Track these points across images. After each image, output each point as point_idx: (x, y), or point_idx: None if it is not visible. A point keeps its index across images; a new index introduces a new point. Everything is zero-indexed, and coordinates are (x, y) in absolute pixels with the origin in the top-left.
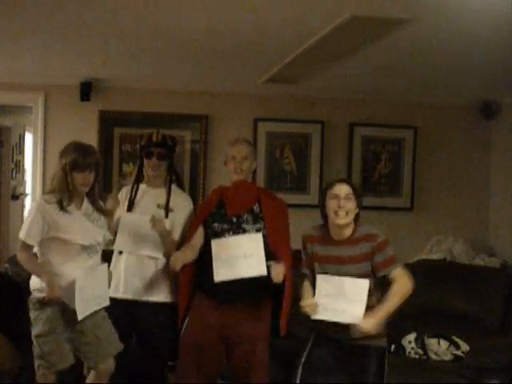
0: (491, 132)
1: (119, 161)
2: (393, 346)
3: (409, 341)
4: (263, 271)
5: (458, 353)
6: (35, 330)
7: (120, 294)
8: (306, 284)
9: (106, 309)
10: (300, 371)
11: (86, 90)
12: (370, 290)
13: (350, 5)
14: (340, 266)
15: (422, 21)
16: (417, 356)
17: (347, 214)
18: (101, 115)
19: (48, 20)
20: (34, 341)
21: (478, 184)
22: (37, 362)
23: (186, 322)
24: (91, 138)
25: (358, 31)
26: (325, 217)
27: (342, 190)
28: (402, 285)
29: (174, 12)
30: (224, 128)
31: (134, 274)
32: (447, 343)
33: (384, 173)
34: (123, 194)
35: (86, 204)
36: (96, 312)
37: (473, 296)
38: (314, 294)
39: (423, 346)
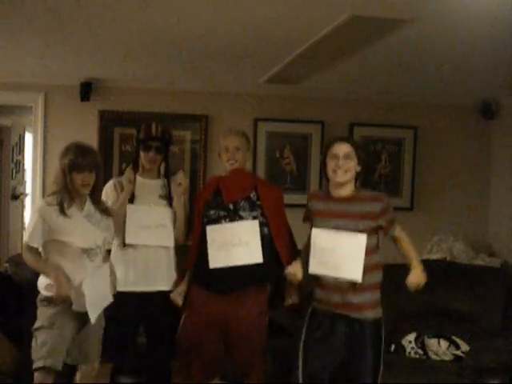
0: (491, 132)
1: (119, 161)
2: (393, 346)
3: (409, 341)
4: (259, 259)
5: (458, 353)
6: (35, 324)
7: (132, 287)
8: (305, 243)
9: (116, 304)
10: (301, 350)
11: (86, 90)
12: (371, 249)
13: (350, 5)
14: (338, 221)
15: (422, 21)
16: (417, 356)
17: (346, 172)
18: (101, 115)
19: (48, 20)
20: (33, 334)
21: (478, 184)
22: (32, 356)
23: (183, 317)
24: (91, 138)
25: (358, 31)
26: (326, 175)
27: (341, 149)
28: (407, 239)
29: (174, 12)
30: (224, 128)
31: (146, 265)
32: (447, 343)
33: (384, 173)
34: (112, 187)
35: (89, 205)
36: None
37: (473, 296)
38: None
39: (423, 346)
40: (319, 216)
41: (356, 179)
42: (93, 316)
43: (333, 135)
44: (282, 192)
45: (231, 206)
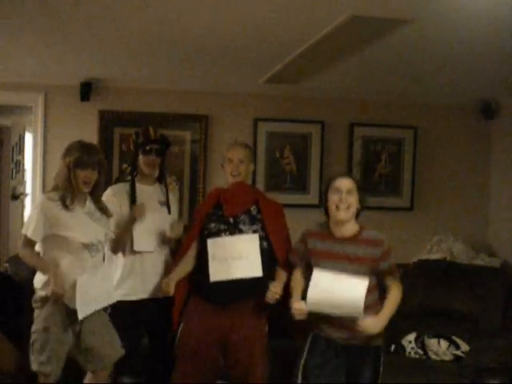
0: (491, 132)
1: (119, 161)
2: (393, 346)
3: (409, 341)
4: (259, 272)
5: (458, 353)
6: (33, 326)
7: (135, 296)
8: (296, 278)
9: (123, 313)
10: (300, 375)
11: (86, 90)
12: (371, 288)
13: (350, 5)
14: (338, 263)
15: (422, 21)
16: (417, 356)
17: (348, 208)
18: (100, 115)
19: (48, 20)
20: (31, 336)
21: (477, 184)
22: (33, 357)
23: (180, 327)
24: (91, 138)
25: (358, 31)
26: (326, 211)
27: (344, 184)
28: (398, 293)
29: (174, 12)
30: (224, 128)
31: (156, 272)
32: (447, 343)
33: (384, 173)
34: (113, 193)
35: (89, 203)
36: (98, 316)
37: (473, 296)
38: (305, 288)
39: (423, 346)
40: (319, 256)
41: (356, 217)
42: (81, 313)
43: (333, 172)
44: (282, 207)
45: (231, 220)
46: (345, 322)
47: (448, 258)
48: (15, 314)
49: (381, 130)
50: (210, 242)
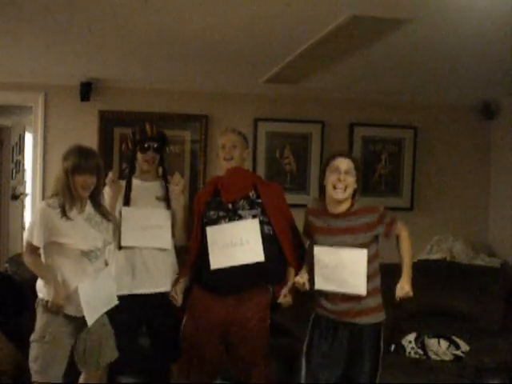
0: (491, 132)
1: (119, 161)
2: (393, 346)
3: (409, 341)
4: (260, 257)
5: (458, 353)
6: (32, 334)
7: (130, 290)
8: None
9: (117, 308)
10: (303, 359)
11: (86, 90)
12: (372, 258)
13: (350, 5)
14: (338, 237)
15: (421, 21)
16: (417, 356)
17: (346, 188)
18: (101, 115)
19: (48, 20)
20: (31, 344)
21: (477, 184)
22: (30, 366)
23: (184, 318)
24: (91, 138)
25: (358, 31)
26: (323, 188)
27: (343, 163)
28: (406, 239)
29: (174, 12)
30: (224, 128)
31: (144, 267)
32: (447, 343)
33: (384, 173)
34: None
35: (89, 208)
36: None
37: (473, 296)
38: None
39: (423, 346)
40: (319, 233)
41: (353, 197)
42: (89, 319)
43: (333, 150)
44: (281, 188)
45: (230, 206)
46: (347, 296)
47: (448, 258)
48: (15, 314)
49: (381, 130)
50: (209, 229)
